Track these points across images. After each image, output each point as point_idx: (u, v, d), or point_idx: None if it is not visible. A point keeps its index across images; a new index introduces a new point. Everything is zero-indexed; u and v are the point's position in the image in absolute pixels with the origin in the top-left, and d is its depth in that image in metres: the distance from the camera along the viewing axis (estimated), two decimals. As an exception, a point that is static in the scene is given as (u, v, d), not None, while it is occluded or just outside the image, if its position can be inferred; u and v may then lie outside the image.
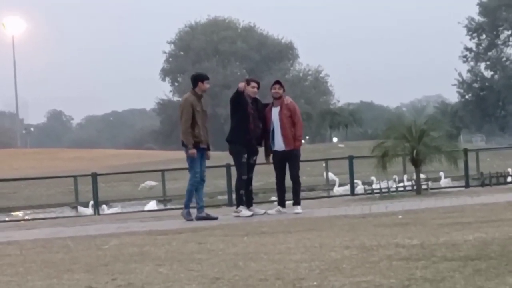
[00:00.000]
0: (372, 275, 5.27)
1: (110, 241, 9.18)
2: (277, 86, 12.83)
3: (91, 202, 21.35)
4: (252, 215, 12.51)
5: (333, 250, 6.80)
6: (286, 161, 12.83)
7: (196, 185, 12.70)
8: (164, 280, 5.59)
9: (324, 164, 30.80)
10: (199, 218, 12.45)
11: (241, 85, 12.66)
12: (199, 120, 12.49)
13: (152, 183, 34.57)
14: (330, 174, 30.38)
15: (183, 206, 13.07)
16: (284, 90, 12.93)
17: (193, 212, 12.76)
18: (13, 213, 28.84)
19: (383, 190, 18.54)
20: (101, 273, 6.18)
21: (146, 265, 6.54)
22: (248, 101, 12.71)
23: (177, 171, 25.94)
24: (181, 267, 6.27)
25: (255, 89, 12.82)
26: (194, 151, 12.42)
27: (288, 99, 12.90)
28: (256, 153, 12.93)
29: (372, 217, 10.96)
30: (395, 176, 19.88)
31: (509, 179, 22.95)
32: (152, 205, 23.10)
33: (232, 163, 13.46)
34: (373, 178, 20.34)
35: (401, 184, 19.93)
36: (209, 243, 8.25)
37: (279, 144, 12.72)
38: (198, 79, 12.73)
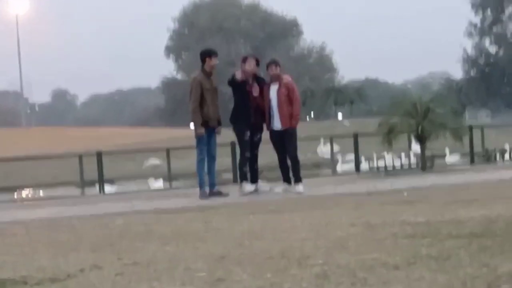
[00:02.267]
0: (377, 253, 5.27)
1: (115, 220, 9.20)
2: (273, 65, 12.68)
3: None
4: (255, 190, 12.57)
5: (339, 228, 6.80)
6: (284, 140, 12.78)
7: (203, 163, 12.72)
8: (170, 259, 5.60)
9: (321, 140, 30.72)
10: (211, 194, 12.55)
11: (238, 75, 12.58)
12: (208, 98, 12.50)
13: (156, 161, 34.54)
14: (322, 152, 30.24)
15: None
16: (280, 68, 12.82)
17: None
18: (26, 190, 28.94)
19: (388, 168, 18.52)
20: (107, 252, 6.20)
21: (152, 243, 6.55)
22: (248, 80, 12.66)
23: (182, 150, 25.88)
24: (186, 246, 6.28)
25: (252, 66, 12.71)
26: (202, 130, 12.43)
27: (286, 78, 12.79)
28: (260, 130, 12.92)
29: (377, 195, 10.96)
30: (384, 152, 19.70)
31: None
32: (157, 183, 23.06)
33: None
34: (374, 155, 20.32)
35: (407, 160, 19.90)
36: (214, 221, 8.26)
37: (276, 123, 12.66)
38: (205, 55, 12.68)
